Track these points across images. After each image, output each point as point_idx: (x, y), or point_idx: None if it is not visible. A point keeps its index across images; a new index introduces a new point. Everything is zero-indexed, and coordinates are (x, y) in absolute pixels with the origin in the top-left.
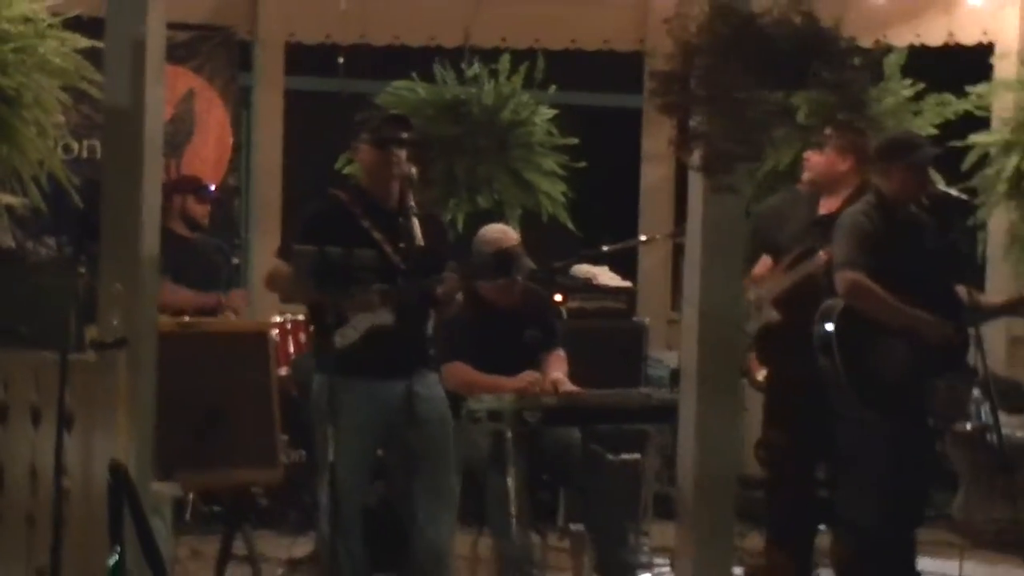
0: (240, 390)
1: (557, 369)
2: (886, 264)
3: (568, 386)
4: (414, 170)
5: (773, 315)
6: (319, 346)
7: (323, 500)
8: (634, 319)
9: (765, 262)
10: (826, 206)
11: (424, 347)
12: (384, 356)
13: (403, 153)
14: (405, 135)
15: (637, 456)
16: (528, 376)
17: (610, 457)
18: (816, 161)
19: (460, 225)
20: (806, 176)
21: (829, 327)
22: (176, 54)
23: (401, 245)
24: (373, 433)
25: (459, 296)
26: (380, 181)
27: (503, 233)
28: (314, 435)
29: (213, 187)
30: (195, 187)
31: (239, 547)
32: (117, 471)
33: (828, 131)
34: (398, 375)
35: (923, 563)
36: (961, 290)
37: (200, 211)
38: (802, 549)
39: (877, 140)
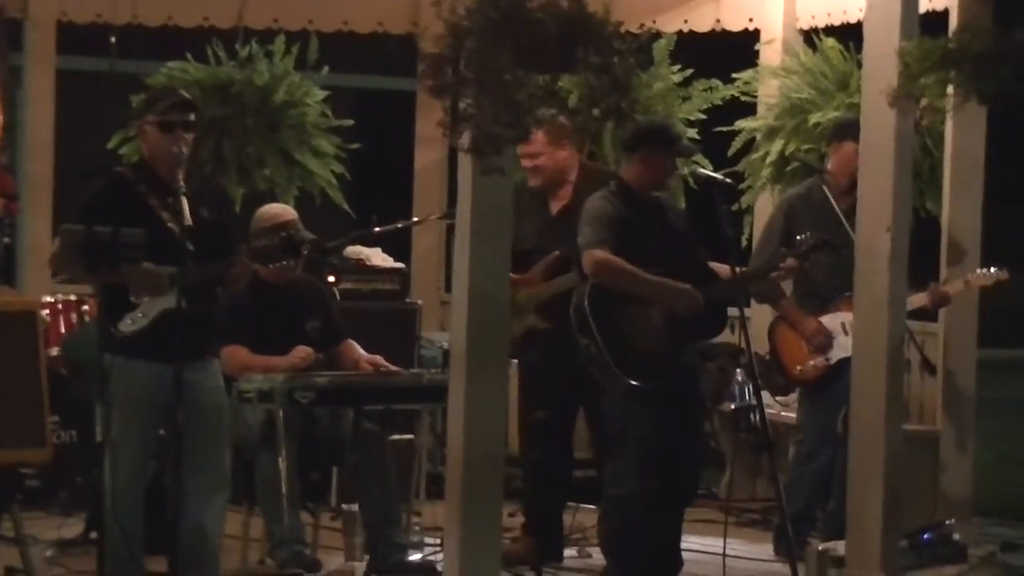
0: (8, 369)
1: (359, 353)
2: (633, 245)
3: (388, 365)
4: (184, 149)
5: (536, 320)
6: (104, 326)
7: (104, 480)
8: (407, 300)
9: None
10: (556, 204)
11: (207, 332)
12: (163, 339)
13: (189, 136)
14: (192, 117)
15: (410, 436)
16: (300, 351)
17: (382, 437)
18: (543, 166)
19: (238, 206)
20: (535, 182)
21: (584, 307)
22: None
23: (187, 224)
24: (151, 415)
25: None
26: (165, 162)
27: (282, 210)
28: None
29: None
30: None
31: (7, 528)
32: None
33: (533, 128)
34: (174, 359)
35: (688, 540)
36: (724, 269)
37: None
38: (549, 528)
39: (628, 129)
